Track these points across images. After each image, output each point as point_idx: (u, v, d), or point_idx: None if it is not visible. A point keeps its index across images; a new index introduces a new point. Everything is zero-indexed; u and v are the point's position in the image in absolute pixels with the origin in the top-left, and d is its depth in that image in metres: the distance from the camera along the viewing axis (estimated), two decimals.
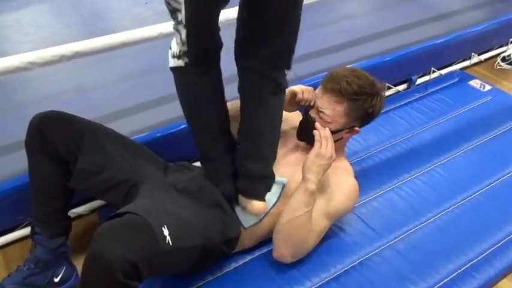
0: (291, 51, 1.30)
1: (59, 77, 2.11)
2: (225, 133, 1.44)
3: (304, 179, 1.38)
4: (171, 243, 1.16)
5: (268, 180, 1.42)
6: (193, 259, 1.31)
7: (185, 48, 1.25)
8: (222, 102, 1.41)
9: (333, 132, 1.44)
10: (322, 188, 1.45)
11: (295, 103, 1.53)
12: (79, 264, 1.50)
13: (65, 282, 1.46)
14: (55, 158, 1.36)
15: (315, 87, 1.55)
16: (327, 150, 1.38)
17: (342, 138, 1.53)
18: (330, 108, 1.45)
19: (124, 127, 1.59)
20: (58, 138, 1.34)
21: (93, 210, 1.73)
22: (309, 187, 1.36)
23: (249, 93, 1.35)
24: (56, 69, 2.01)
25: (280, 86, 1.34)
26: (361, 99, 1.44)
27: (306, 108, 1.55)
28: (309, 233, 1.40)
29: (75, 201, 1.64)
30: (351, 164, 1.63)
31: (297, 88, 1.51)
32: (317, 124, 1.44)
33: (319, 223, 1.43)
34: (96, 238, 1.09)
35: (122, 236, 1.09)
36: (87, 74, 2.14)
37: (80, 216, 1.70)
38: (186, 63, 1.27)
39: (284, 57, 1.30)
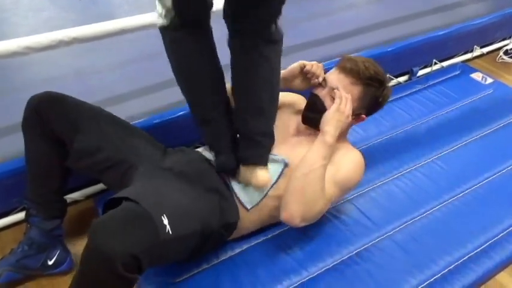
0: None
1: (57, 61, 2.08)
2: (222, 95, 1.38)
3: (322, 131, 1.38)
4: (171, 232, 1.14)
5: (268, 140, 1.40)
6: (193, 246, 1.29)
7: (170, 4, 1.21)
8: (216, 62, 1.35)
9: None
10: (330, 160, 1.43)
11: (303, 76, 1.51)
12: (73, 249, 1.50)
13: (58, 266, 1.45)
14: (52, 139, 1.36)
15: None
16: (346, 108, 1.39)
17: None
18: (346, 90, 1.43)
19: (122, 112, 1.56)
20: (55, 119, 1.34)
21: (88, 197, 1.72)
22: (327, 139, 1.35)
23: (241, 47, 1.29)
24: (54, 54, 1.98)
25: (274, 36, 1.28)
26: (374, 86, 1.45)
27: (312, 89, 1.52)
28: (322, 191, 1.36)
29: (70, 187, 1.63)
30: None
31: (306, 62, 1.50)
32: (340, 88, 1.42)
33: (329, 189, 1.40)
34: (95, 231, 1.05)
35: (122, 228, 1.06)
36: (85, 59, 2.11)
37: (75, 202, 1.69)
38: (175, 24, 1.23)
39: (275, 9, 1.24)
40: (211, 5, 1.28)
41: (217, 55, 1.35)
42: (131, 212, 1.11)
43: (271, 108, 1.38)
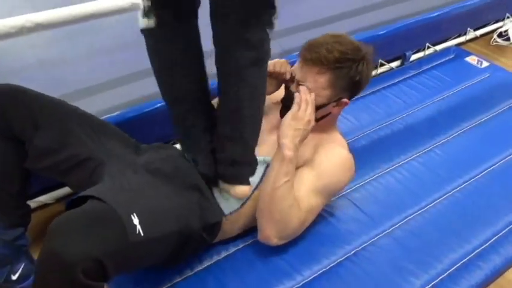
0: (271, 3, 1.13)
1: (22, 51, 1.92)
2: (205, 106, 1.28)
3: (279, 145, 1.25)
4: (142, 234, 1.01)
5: (251, 165, 1.29)
6: (170, 249, 1.16)
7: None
8: (201, 68, 1.25)
9: (318, 107, 1.31)
10: (310, 161, 1.33)
11: (269, 78, 1.36)
12: None
13: (24, 281, 1.29)
14: (8, 137, 1.21)
15: None
16: (305, 113, 1.25)
17: (330, 113, 1.38)
18: (311, 81, 1.30)
19: (91, 107, 1.42)
20: (12, 114, 1.19)
21: (58, 200, 1.57)
22: (285, 154, 1.23)
23: (225, 64, 1.19)
24: (18, 43, 1.83)
25: (260, 54, 1.17)
26: (345, 67, 1.29)
27: (286, 83, 1.39)
28: (291, 207, 1.25)
29: (38, 189, 1.50)
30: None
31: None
32: (301, 87, 1.29)
33: (307, 200, 1.29)
34: (51, 232, 0.93)
35: (83, 228, 0.94)
36: (53, 49, 1.95)
37: (43, 206, 1.55)
38: (157, 23, 1.13)
39: (262, 8, 1.13)
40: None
41: (203, 62, 1.24)
42: (94, 209, 0.98)
43: (254, 134, 1.27)
